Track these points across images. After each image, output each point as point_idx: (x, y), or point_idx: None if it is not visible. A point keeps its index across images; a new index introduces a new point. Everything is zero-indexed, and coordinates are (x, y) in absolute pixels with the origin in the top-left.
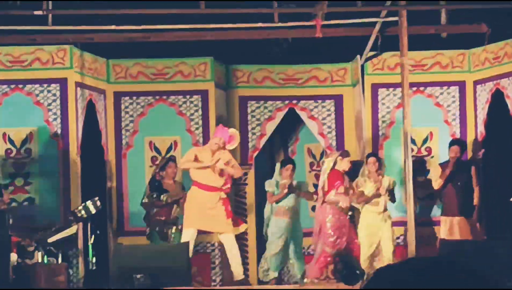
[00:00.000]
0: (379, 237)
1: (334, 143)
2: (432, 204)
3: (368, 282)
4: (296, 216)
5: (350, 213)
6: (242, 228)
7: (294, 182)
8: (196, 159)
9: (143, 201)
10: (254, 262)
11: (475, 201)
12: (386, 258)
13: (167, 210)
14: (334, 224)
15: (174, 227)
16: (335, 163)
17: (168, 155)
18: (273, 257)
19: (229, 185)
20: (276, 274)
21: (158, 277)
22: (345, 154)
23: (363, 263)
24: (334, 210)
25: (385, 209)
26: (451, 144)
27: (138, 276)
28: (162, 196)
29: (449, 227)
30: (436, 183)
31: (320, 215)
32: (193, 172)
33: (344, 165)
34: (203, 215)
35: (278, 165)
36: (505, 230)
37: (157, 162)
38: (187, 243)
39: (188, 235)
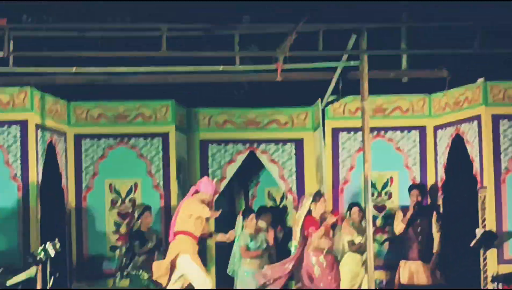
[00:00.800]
0: (360, 281)
1: (294, 187)
2: (391, 248)
3: None
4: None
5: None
6: None
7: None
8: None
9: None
10: None
11: (435, 248)
12: None
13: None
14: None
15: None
16: (310, 210)
17: (136, 204)
18: None
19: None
20: None
21: None
22: (317, 197)
23: None
24: (317, 252)
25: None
26: (411, 188)
27: None
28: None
29: (408, 272)
30: (398, 228)
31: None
32: (188, 223)
33: (319, 209)
34: None
35: (239, 218)
36: (464, 275)
37: (122, 208)
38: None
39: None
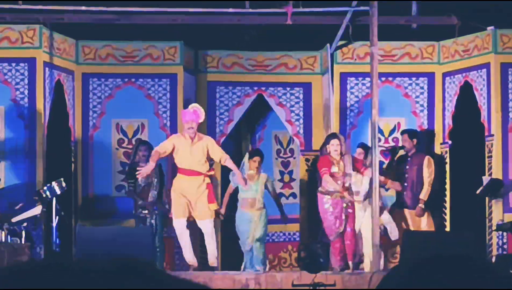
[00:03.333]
0: (359, 226)
1: (301, 131)
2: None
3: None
4: (262, 206)
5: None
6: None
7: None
8: (173, 148)
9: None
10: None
11: (422, 195)
12: (369, 243)
13: (144, 195)
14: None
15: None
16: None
17: (136, 139)
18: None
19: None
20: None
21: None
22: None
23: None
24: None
25: (365, 198)
26: (402, 133)
27: None
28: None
29: (406, 219)
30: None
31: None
32: (175, 158)
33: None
34: (187, 203)
35: (246, 156)
36: (470, 223)
37: (128, 148)
38: (151, 227)
39: (179, 226)
